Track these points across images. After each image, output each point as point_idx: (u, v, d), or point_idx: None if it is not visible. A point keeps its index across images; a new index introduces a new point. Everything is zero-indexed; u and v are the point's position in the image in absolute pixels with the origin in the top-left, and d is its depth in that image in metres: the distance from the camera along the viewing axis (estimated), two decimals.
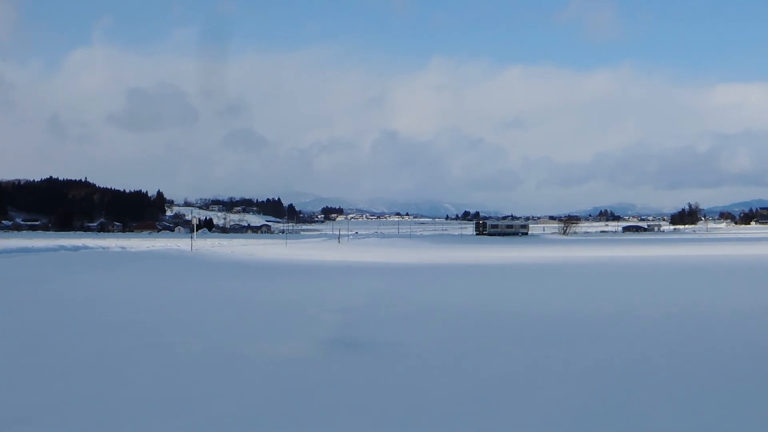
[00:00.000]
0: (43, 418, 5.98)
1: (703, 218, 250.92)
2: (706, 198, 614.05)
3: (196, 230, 50.15)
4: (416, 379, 7.54)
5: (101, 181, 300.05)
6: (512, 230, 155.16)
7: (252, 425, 5.86)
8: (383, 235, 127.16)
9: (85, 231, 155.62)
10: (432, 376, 7.65)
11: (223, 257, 35.01)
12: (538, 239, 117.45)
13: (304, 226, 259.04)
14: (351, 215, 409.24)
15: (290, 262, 31.22)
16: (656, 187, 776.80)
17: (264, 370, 7.98)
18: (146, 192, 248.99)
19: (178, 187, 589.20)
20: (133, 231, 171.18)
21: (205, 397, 6.68)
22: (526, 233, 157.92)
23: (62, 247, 36.31)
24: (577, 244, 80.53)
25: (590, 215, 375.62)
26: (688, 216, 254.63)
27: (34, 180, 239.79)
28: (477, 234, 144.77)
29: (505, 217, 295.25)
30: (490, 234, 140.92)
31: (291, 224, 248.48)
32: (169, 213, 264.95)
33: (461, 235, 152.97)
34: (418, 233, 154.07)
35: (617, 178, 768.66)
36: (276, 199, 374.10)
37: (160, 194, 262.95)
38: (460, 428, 5.78)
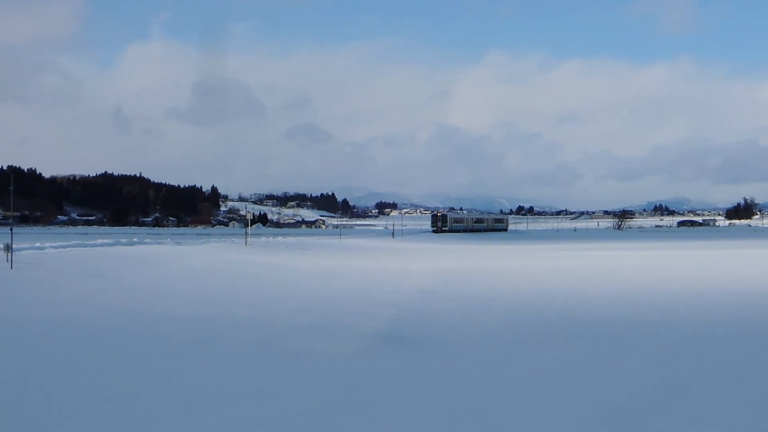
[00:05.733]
0: (98, 410, 6.09)
1: (759, 213, 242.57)
2: (763, 192, 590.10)
3: (251, 225, 47.41)
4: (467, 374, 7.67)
5: (156, 176, 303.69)
6: (483, 225, 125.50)
7: (306, 419, 5.92)
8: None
9: (139, 226, 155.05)
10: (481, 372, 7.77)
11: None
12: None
13: (357, 221, 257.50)
14: (405, 210, 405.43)
15: None
16: (712, 182, 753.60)
17: (316, 364, 8.06)
18: (200, 187, 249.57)
19: (233, 182, 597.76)
20: (187, 226, 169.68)
21: (256, 391, 6.78)
22: (504, 229, 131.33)
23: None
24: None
25: (645, 210, 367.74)
26: (743, 211, 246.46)
27: (89, 175, 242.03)
28: (434, 231, 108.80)
29: (559, 212, 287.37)
30: (451, 231, 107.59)
31: (345, 219, 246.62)
32: (223, 208, 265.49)
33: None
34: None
35: (673, 173, 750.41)
36: (330, 194, 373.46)
37: (214, 189, 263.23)
38: (513, 424, 5.85)
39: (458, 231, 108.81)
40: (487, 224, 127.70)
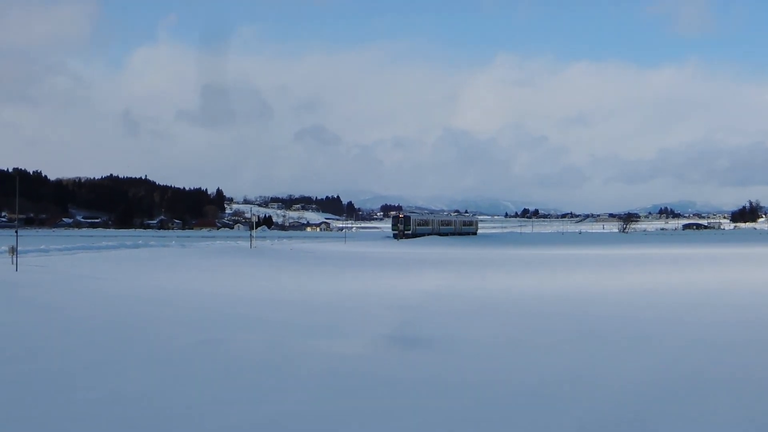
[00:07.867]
0: (102, 414, 6.07)
1: (764, 216, 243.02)
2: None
3: (255, 228, 47.37)
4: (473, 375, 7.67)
5: (161, 178, 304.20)
6: (450, 228, 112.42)
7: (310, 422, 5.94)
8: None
9: (144, 228, 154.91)
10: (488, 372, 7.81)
11: None
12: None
13: (362, 224, 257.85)
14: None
15: None
16: (718, 185, 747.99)
17: (322, 366, 8.04)
18: (206, 190, 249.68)
19: (238, 184, 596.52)
20: (192, 228, 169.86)
21: (262, 393, 6.81)
22: (474, 232, 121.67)
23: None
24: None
25: (650, 213, 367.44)
26: (749, 214, 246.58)
27: (94, 178, 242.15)
28: (395, 235, 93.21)
29: (564, 215, 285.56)
30: (415, 235, 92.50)
31: (350, 222, 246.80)
32: (228, 210, 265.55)
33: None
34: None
35: (679, 176, 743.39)
36: (335, 196, 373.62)
37: (219, 192, 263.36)
38: (520, 426, 5.86)
39: (423, 235, 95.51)
40: (454, 227, 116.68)
